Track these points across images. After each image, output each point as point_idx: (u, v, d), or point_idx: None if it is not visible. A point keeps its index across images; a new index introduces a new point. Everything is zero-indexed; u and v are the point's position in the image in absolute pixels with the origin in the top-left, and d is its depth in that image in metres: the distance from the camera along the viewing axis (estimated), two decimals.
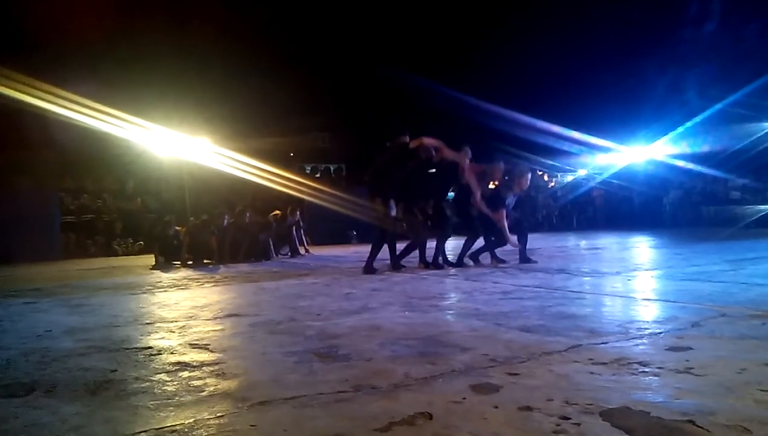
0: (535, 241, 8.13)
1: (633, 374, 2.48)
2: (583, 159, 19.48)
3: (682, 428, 1.86)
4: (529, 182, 7.92)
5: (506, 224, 7.49)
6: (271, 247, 10.71)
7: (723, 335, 3.13)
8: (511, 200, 7.64)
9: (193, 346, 3.39)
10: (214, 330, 3.87)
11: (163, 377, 2.73)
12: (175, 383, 2.61)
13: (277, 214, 11.21)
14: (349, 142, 20.79)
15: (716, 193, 17.86)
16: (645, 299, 4.61)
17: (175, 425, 2.07)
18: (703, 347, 2.87)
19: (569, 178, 21.27)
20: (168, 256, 10.12)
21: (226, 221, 10.35)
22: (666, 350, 2.87)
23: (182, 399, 2.37)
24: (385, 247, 7.46)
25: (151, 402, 2.34)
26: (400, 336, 3.42)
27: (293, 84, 17.78)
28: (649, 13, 17.88)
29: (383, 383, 2.46)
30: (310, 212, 13.70)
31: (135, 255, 13.28)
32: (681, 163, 17.37)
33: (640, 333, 3.26)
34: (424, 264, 7.61)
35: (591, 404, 2.09)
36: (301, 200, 13.30)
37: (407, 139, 7.42)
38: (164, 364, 2.98)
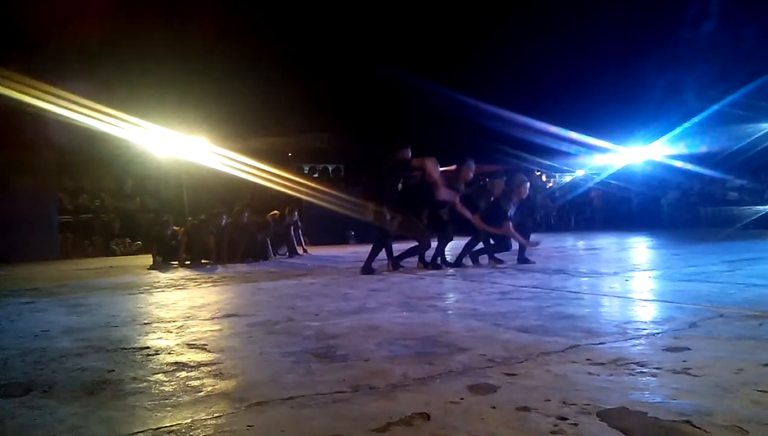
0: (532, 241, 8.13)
1: (631, 374, 2.48)
2: (581, 160, 19.51)
3: (680, 429, 1.86)
4: (528, 191, 7.92)
5: (516, 233, 7.54)
6: (269, 247, 10.71)
7: (720, 336, 3.13)
8: (512, 211, 7.66)
9: (191, 346, 3.38)
10: (212, 330, 3.86)
11: (161, 377, 2.72)
12: (172, 383, 2.61)
13: (275, 215, 11.20)
14: (347, 143, 20.80)
15: (714, 193, 17.89)
16: (643, 300, 4.61)
17: (172, 426, 2.07)
18: (701, 348, 2.87)
19: (567, 178, 21.30)
20: (166, 256, 10.11)
21: (224, 221, 10.35)
22: (663, 350, 2.87)
23: (180, 399, 2.37)
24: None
25: (149, 402, 2.34)
26: (398, 336, 3.42)
27: (292, 84, 17.78)
28: (648, 13, 17.91)
29: (381, 384, 2.46)
30: (308, 212, 13.70)
31: (133, 255, 13.26)
32: (679, 164, 17.40)
33: (637, 333, 3.26)
34: (423, 264, 7.61)
35: (588, 405, 2.09)
36: (299, 200, 13.30)
37: (408, 153, 7.43)
38: (162, 364, 2.97)
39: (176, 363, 2.97)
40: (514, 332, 3.44)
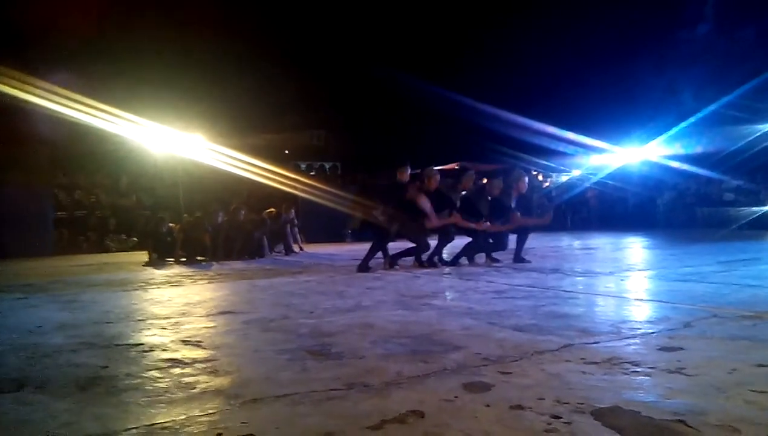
0: (528, 241, 8.13)
1: (625, 373, 2.48)
2: (578, 160, 19.53)
3: (673, 428, 1.87)
4: (527, 185, 7.92)
5: (527, 219, 7.58)
6: (265, 244, 10.69)
7: (714, 336, 3.14)
8: (513, 204, 7.68)
9: (186, 343, 3.38)
10: (207, 327, 3.86)
11: (155, 373, 2.72)
12: (166, 379, 2.61)
13: (271, 212, 11.18)
14: (344, 141, 20.78)
15: (710, 194, 17.93)
16: (637, 299, 4.63)
17: (166, 422, 2.07)
18: (695, 348, 2.88)
19: (564, 178, 21.31)
20: (161, 253, 10.08)
21: (220, 218, 10.32)
22: (658, 350, 2.88)
23: (173, 396, 2.36)
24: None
25: (142, 399, 2.34)
26: (393, 334, 3.42)
27: (289, 81, 17.76)
28: (644, 14, 17.94)
29: (376, 381, 2.46)
30: (305, 210, 13.68)
31: (128, 251, 13.22)
32: (675, 165, 17.43)
33: (632, 333, 3.27)
34: (419, 263, 7.61)
35: (582, 403, 2.10)
36: (296, 198, 13.27)
37: (408, 173, 7.46)
38: (156, 361, 2.97)
39: (170, 360, 2.97)
40: (509, 330, 3.44)
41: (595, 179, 19.53)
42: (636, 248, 10.56)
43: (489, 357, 2.81)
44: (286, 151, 19.66)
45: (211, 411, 2.16)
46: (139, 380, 2.61)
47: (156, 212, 12.72)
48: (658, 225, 18.29)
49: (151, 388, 2.48)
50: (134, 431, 2.00)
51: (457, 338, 3.28)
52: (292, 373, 2.65)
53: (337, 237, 14.57)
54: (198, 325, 3.94)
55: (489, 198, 7.77)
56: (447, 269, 7.30)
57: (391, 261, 7.58)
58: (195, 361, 2.93)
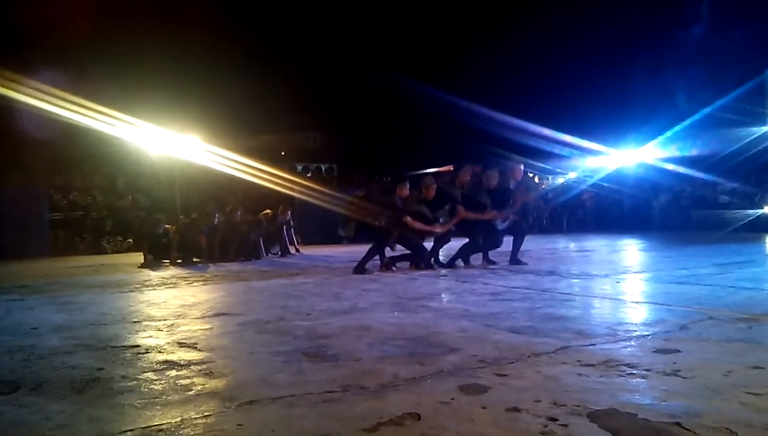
0: (525, 243, 8.13)
1: (621, 375, 2.49)
2: (574, 162, 19.56)
3: (669, 430, 1.87)
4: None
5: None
6: (262, 246, 10.68)
7: (710, 338, 3.15)
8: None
9: (181, 345, 3.37)
10: (203, 329, 3.85)
11: (151, 375, 2.71)
12: (162, 381, 2.60)
13: (267, 214, 11.17)
14: (340, 142, 20.79)
15: (705, 197, 17.98)
16: (633, 302, 4.63)
17: (161, 424, 2.06)
18: (691, 350, 2.89)
19: (560, 180, 21.35)
20: (157, 254, 10.06)
21: (216, 220, 10.31)
22: (654, 352, 2.88)
23: (169, 398, 2.36)
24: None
25: (138, 401, 2.33)
26: (390, 336, 3.41)
27: (285, 83, 17.76)
28: (640, 17, 18.00)
29: (372, 383, 2.46)
30: (301, 212, 13.67)
31: (124, 253, 13.20)
32: (671, 167, 17.47)
33: (628, 335, 3.27)
34: (416, 265, 7.61)
35: (579, 406, 2.10)
36: (292, 200, 13.27)
37: (407, 190, 7.49)
38: (152, 363, 2.96)
39: (166, 362, 2.96)
40: (506, 332, 3.44)
41: (591, 182, 19.57)
42: (632, 251, 10.58)
43: (485, 359, 2.81)
44: (282, 153, 19.66)
45: (206, 413, 2.16)
46: (134, 382, 2.60)
47: (152, 214, 12.70)
48: (654, 227, 18.34)
49: (146, 390, 2.48)
50: (130, 433, 2.00)
51: (453, 340, 3.28)
52: (288, 375, 2.64)
53: (333, 239, 14.56)
54: (194, 327, 3.94)
55: (487, 190, 7.78)
56: (443, 271, 7.31)
57: (388, 263, 7.58)
58: (191, 363, 2.92)
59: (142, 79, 14.78)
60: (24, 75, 10.90)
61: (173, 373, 2.74)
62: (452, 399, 2.23)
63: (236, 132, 15.72)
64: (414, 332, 3.51)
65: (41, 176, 13.70)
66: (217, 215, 10.42)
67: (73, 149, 14.17)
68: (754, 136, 16.73)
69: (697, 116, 16.17)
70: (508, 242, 7.95)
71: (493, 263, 7.81)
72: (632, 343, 3.09)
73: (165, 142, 13.61)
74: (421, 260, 7.59)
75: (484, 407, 2.13)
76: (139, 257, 10.32)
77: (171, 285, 6.68)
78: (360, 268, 7.27)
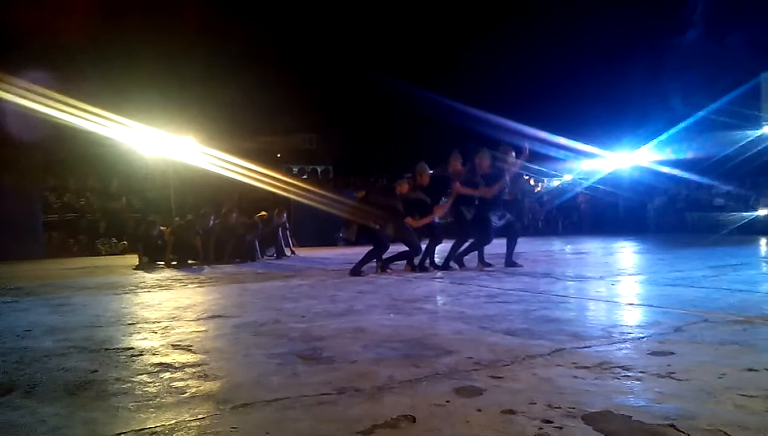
0: (520, 245, 8.14)
1: (615, 378, 2.49)
2: (569, 164, 19.61)
3: (664, 433, 1.87)
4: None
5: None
6: (257, 248, 10.66)
7: (705, 340, 3.16)
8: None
9: (176, 347, 3.36)
10: (197, 331, 3.84)
11: (145, 378, 2.70)
12: (156, 384, 2.59)
13: (263, 215, 11.16)
14: (336, 144, 20.80)
15: (700, 199, 18.04)
16: (628, 304, 4.64)
17: (155, 427, 2.05)
18: (685, 352, 2.89)
19: (555, 183, 21.40)
20: (152, 256, 10.04)
21: (211, 222, 10.29)
22: (648, 354, 2.89)
23: (163, 400, 2.35)
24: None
25: (132, 403, 2.32)
26: (385, 339, 3.41)
27: (282, 85, 17.76)
28: (635, 21, 18.06)
29: (367, 386, 2.45)
30: (297, 213, 13.66)
31: (118, 255, 13.16)
32: (666, 170, 17.54)
33: (623, 337, 3.28)
34: (411, 267, 7.61)
35: (573, 408, 2.10)
36: (288, 201, 13.26)
37: (406, 188, 7.50)
38: (146, 365, 2.95)
39: (160, 364, 2.95)
40: (501, 335, 3.44)
41: (586, 184, 19.62)
42: (627, 253, 10.60)
43: (481, 361, 2.81)
44: (279, 155, 19.65)
45: (201, 416, 2.15)
46: (128, 385, 2.59)
47: (146, 215, 12.67)
48: (649, 230, 18.39)
49: (140, 392, 2.47)
50: (123, 435, 1.99)
51: (448, 342, 3.27)
52: (283, 377, 2.64)
53: (329, 241, 14.57)
54: (188, 329, 3.92)
55: (481, 174, 7.78)
56: (439, 274, 7.31)
57: (383, 266, 7.57)
58: (185, 365, 2.91)
59: (137, 80, 14.77)
60: (17, 76, 10.87)
61: (167, 375, 2.73)
62: (447, 401, 2.23)
63: (232, 134, 15.73)
64: (409, 335, 3.51)
65: (35, 178, 13.65)
66: (212, 217, 10.40)
67: (66, 151, 14.14)
68: (749, 139, 16.81)
69: (692, 119, 16.24)
70: (501, 244, 7.96)
71: (489, 265, 7.81)
72: (627, 345, 3.10)
73: (160, 143, 13.59)
74: (414, 256, 7.56)
75: (479, 410, 2.13)
76: (133, 259, 10.30)
77: (166, 287, 6.66)
78: (356, 270, 7.27)
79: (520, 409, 2.11)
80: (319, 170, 19.68)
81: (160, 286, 6.79)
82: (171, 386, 2.54)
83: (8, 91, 10.71)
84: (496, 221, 7.66)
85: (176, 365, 2.93)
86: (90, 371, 2.85)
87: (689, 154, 17.33)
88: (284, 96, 18.32)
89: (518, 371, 2.63)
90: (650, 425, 1.93)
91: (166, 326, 4.03)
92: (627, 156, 18.48)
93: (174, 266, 9.61)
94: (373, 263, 7.59)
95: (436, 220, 7.74)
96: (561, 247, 12.67)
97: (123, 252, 13.37)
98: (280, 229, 11.37)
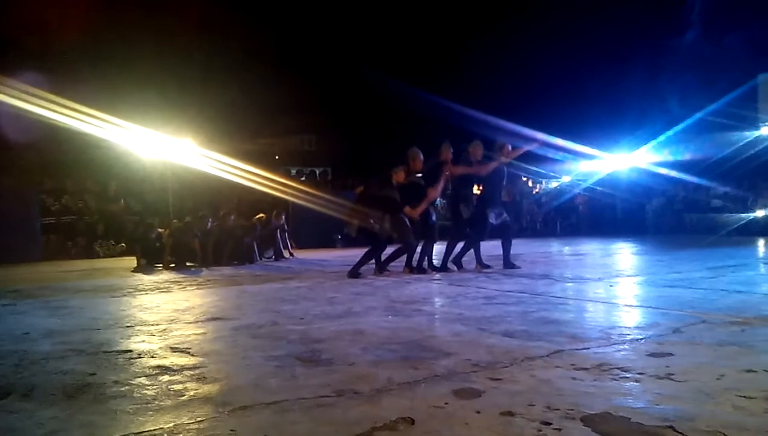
0: (518, 246, 8.15)
1: (614, 379, 2.49)
2: (567, 166, 19.62)
3: (663, 434, 1.87)
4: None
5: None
6: (255, 250, 10.65)
7: (703, 342, 3.16)
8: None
9: (174, 350, 3.35)
10: (196, 334, 3.83)
11: (143, 380, 2.69)
12: (154, 387, 2.58)
13: (261, 217, 11.15)
14: (335, 146, 20.80)
15: (698, 201, 18.07)
16: (627, 305, 4.65)
17: (154, 430, 2.05)
18: (684, 353, 2.89)
19: (553, 184, 21.41)
20: (150, 258, 10.02)
21: (209, 224, 10.28)
22: (647, 355, 2.89)
23: (162, 403, 2.34)
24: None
25: (130, 406, 2.32)
26: (384, 341, 3.41)
27: (280, 87, 17.75)
28: (633, 22, 18.10)
29: (365, 388, 2.45)
30: (295, 215, 13.65)
31: (117, 257, 13.14)
32: (663, 171, 17.55)
33: (621, 339, 3.28)
34: (410, 269, 7.61)
35: (572, 410, 2.10)
36: (287, 203, 13.25)
37: (402, 176, 7.49)
38: (144, 368, 2.94)
39: (159, 367, 2.95)
40: (499, 336, 3.44)
41: (584, 186, 19.63)
42: (625, 254, 10.61)
43: (479, 363, 2.81)
44: (277, 157, 19.64)
45: (199, 419, 2.15)
46: (127, 388, 2.58)
47: (145, 218, 12.65)
48: (647, 231, 18.41)
49: (139, 395, 2.46)
50: None
51: (447, 344, 3.27)
52: (281, 380, 2.63)
53: (327, 242, 14.55)
54: (187, 331, 3.92)
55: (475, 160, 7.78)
56: (437, 275, 7.30)
57: (381, 268, 7.57)
58: (183, 368, 2.91)
59: (135, 82, 14.75)
60: (14, 77, 10.85)
61: (166, 378, 2.73)
62: (446, 404, 2.23)
63: (231, 136, 15.71)
64: (408, 337, 3.51)
65: (32, 180, 13.63)
66: (210, 219, 10.39)
67: (64, 153, 14.11)
68: (747, 140, 16.85)
69: (689, 121, 16.27)
70: (498, 245, 7.95)
71: (487, 266, 7.81)
72: (626, 346, 3.10)
73: (158, 145, 13.57)
74: (410, 253, 7.55)
75: (478, 412, 2.12)
76: (131, 262, 10.28)
77: (164, 289, 6.65)
78: (354, 272, 7.26)
79: (519, 411, 2.11)
80: (317, 172, 19.67)
81: (159, 288, 6.79)
82: (169, 389, 2.54)
83: (5, 93, 10.70)
84: (493, 219, 7.64)
85: (175, 367, 2.93)
86: (88, 374, 2.85)
87: (687, 156, 17.36)
88: (283, 97, 18.32)
89: (517, 372, 2.63)
90: (649, 427, 1.93)
91: (165, 329, 4.03)
92: (625, 157, 18.50)
93: (172, 269, 9.60)
94: (372, 265, 7.58)
95: (434, 218, 7.72)
96: (559, 248, 12.67)
97: (121, 254, 13.34)
98: (278, 231, 11.36)
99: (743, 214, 15.86)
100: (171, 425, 2.09)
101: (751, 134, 17.02)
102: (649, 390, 2.33)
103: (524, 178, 20.54)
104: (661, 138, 17.10)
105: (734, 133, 16.94)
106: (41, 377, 2.82)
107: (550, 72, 19.65)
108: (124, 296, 6.14)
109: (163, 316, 4.64)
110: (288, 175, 16.65)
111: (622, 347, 3.10)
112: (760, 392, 2.26)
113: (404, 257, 7.69)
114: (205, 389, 2.53)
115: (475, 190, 8.17)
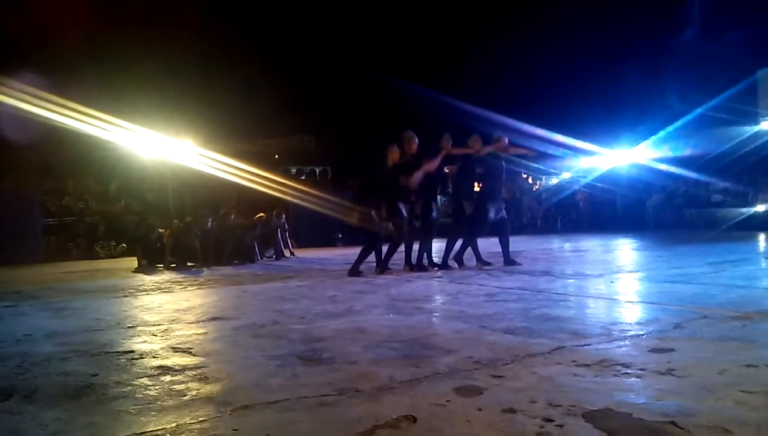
0: (519, 243, 8.15)
1: (616, 375, 2.49)
2: (568, 162, 19.62)
3: (664, 430, 1.87)
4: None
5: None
6: (256, 249, 10.66)
7: (704, 337, 3.16)
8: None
9: (176, 350, 3.36)
10: (197, 334, 3.84)
11: (145, 381, 2.70)
12: (157, 387, 2.59)
13: (261, 217, 11.15)
14: (334, 145, 20.79)
15: (698, 196, 18.08)
16: (628, 301, 4.65)
17: (156, 430, 2.05)
18: (685, 349, 2.89)
19: (554, 181, 21.41)
20: (151, 258, 10.03)
21: (210, 224, 10.28)
22: (648, 351, 2.89)
23: (164, 404, 2.35)
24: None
25: (133, 407, 2.32)
26: (385, 339, 3.41)
27: (279, 86, 17.75)
28: (633, 19, 18.08)
29: (367, 387, 2.45)
30: (295, 214, 13.66)
31: (118, 258, 13.14)
32: (663, 167, 17.56)
33: (622, 335, 3.28)
34: (410, 266, 7.60)
35: (574, 406, 2.10)
36: (287, 203, 13.26)
37: (396, 153, 7.48)
38: (146, 368, 2.95)
39: (161, 367, 2.95)
40: (501, 333, 3.44)
41: (584, 182, 19.64)
42: (625, 250, 10.61)
43: (481, 361, 2.81)
44: (276, 156, 19.64)
45: (201, 419, 2.15)
46: (129, 388, 2.59)
47: (145, 218, 12.65)
48: (647, 227, 18.41)
49: (141, 396, 2.47)
50: None
51: (448, 341, 3.27)
52: (283, 379, 2.64)
53: (328, 241, 14.57)
54: (188, 331, 3.92)
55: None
56: (438, 273, 7.31)
57: (382, 266, 7.56)
58: (185, 368, 2.91)
59: (135, 83, 14.75)
60: (15, 79, 10.86)
61: (168, 378, 2.73)
62: (448, 401, 2.23)
63: (230, 136, 15.71)
64: (409, 335, 3.51)
65: (33, 181, 13.64)
66: (210, 219, 10.40)
67: (65, 154, 14.12)
68: (746, 135, 16.84)
69: (689, 116, 16.26)
70: (497, 242, 7.94)
71: (488, 263, 7.81)
72: (627, 342, 3.10)
73: (158, 146, 13.58)
74: (398, 246, 7.55)
75: (480, 409, 2.13)
76: (132, 262, 10.29)
77: (165, 290, 6.65)
78: (354, 270, 7.26)
79: (521, 408, 2.11)
80: (317, 171, 19.67)
81: (160, 288, 6.79)
82: (171, 389, 2.54)
83: (7, 94, 10.70)
84: (492, 214, 7.65)
85: (176, 367, 2.93)
86: (90, 374, 2.85)
87: (687, 151, 17.36)
88: (282, 98, 18.32)
89: (518, 369, 2.63)
90: (651, 423, 1.93)
91: (166, 329, 4.03)
92: (625, 153, 18.50)
93: (173, 269, 9.61)
94: (372, 264, 7.58)
95: (434, 214, 7.72)
96: (560, 245, 12.67)
97: (122, 255, 13.34)
98: (278, 230, 11.37)
99: (743, 209, 15.86)
100: (173, 425, 2.10)
101: (750, 129, 17.02)
102: (651, 386, 2.34)
103: (524, 175, 20.56)
104: (661, 134, 17.11)
105: (734, 128, 16.93)
106: (43, 379, 2.82)
107: (550, 70, 19.65)
108: (126, 296, 6.15)
109: (165, 316, 4.65)
110: (288, 175, 16.65)
111: (623, 343, 3.10)
112: (761, 387, 2.26)
113: (403, 257, 7.69)
114: (207, 388, 2.53)
115: (476, 188, 8.18)
